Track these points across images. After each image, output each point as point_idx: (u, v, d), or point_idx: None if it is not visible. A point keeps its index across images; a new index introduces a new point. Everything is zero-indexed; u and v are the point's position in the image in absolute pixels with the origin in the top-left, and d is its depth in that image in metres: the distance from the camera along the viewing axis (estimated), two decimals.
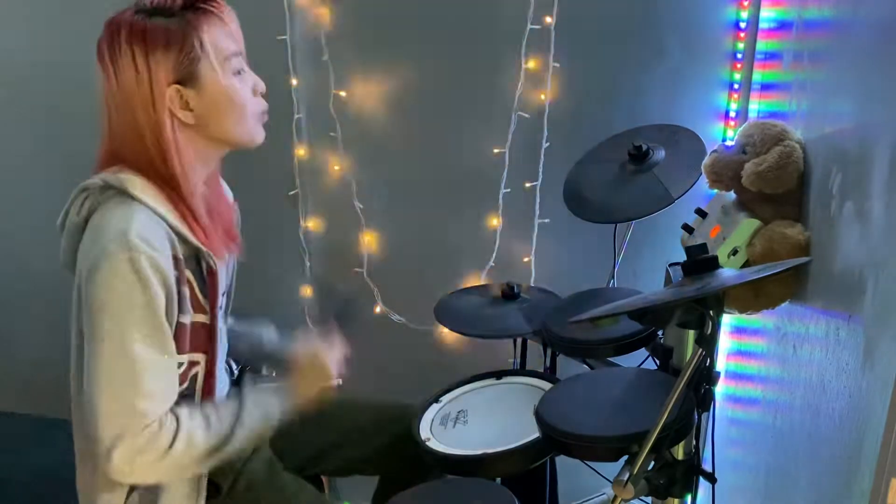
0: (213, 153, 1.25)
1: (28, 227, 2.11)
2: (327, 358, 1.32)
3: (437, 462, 1.31)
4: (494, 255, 2.03)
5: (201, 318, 1.21)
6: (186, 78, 1.15)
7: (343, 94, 1.95)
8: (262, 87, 1.25)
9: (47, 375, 2.22)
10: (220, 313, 1.26)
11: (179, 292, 1.15)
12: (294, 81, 1.95)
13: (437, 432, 1.37)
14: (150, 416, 1.11)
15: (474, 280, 2.03)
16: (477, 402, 1.46)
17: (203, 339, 1.22)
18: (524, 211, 1.99)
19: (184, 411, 1.16)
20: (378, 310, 2.11)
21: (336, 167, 2.02)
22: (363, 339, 2.13)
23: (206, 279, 1.21)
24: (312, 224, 2.08)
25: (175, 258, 1.15)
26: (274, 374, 1.50)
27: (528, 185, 1.96)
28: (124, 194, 1.15)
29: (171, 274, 1.13)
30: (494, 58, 1.90)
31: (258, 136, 1.26)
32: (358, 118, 1.98)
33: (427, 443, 1.33)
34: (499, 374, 1.54)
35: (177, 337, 1.16)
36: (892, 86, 1.00)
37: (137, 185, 1.15)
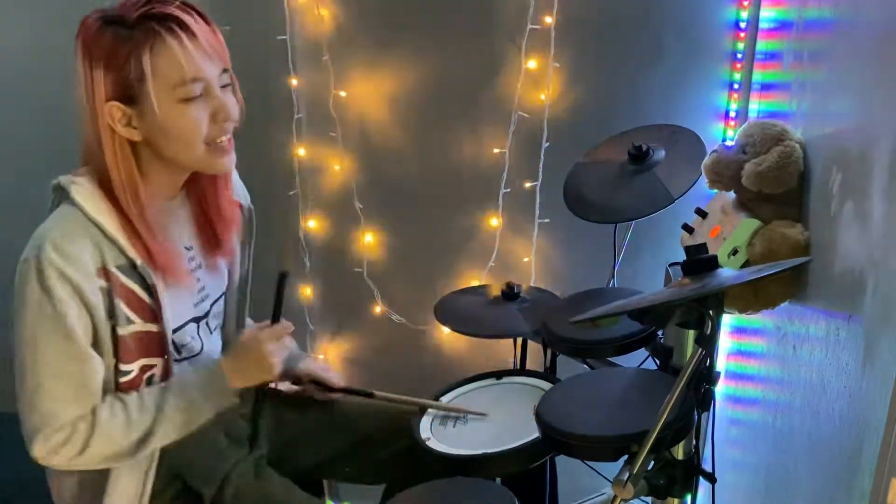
0: (173, 171, 1.22)
1: (27, 226, 2.11)
2: (266, 343, 1.27)
3: (437, 462, 1.31)
4: (494, 255, 2.03)
5: (149, 327, 1.20)
6: (127, 97, 1.12)
7: (343, 94, 1.95)
8: (227, 113, 1.17)
9: None
10: (185, 323, 1.27)
11: (112, 303, 1.15)
12: (294, 81, 1.95)
13: (437, 432, 1.37)
14: (59, 418, 1.15)
15: (474, 280, 2.04)
16: (477, 403, 1.46)
17: (155, 346, 1.22)
18: (524, 211, 1.99)
19: (104, 409, 1.18)
20: (378, 310, 2.11)
21: (336, 167, 2.02)
22: (363, 339, 2.15)
23: (153, 289, 1.19)
24: (312, 224, 2.08)
25: (104, 268, 1.14)
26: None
27: (528, 185, 1.96)
28: (68, 198, 1.15)
29: (88, 285, 1.13)
30: (494, 58, 1.90)
31: (215, 164, 1.20)
32: (358, 118, 1.98)
33: (427, 442, 1.33)
34: (499, 375, 1.54)
35: (121, 346, 1.17)
36: (892, 86, 1.00)
37: (82, 191, 1.15)
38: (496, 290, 1.71)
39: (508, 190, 1.97)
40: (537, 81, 1.89)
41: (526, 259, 2.03)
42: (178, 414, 1.21)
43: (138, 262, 1.17)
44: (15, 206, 2.18)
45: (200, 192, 1.31)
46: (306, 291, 2.13)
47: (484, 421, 1.40)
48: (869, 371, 1.00)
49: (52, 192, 1.20)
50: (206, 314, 1.35)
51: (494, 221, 2.01)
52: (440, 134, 1.99)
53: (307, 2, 1.89)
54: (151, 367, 1.23)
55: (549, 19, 1.83)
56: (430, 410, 1.44)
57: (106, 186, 1.17)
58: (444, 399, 1.48)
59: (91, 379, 1.17)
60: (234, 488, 1.30)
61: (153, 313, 1.20)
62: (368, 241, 2.07)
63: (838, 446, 1.11)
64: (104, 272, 1.14)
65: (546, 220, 1.98)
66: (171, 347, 1.25)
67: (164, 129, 1.14)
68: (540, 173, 1.94)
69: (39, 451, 1.16)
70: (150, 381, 1.24)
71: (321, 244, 2.10)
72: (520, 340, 1.76)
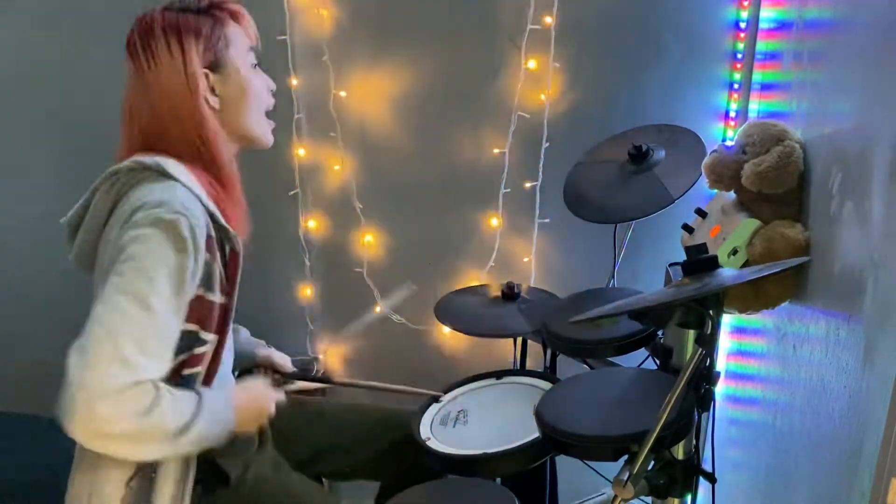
0: (231, 146, 1.30)
1: (27, 226, 2.11)
2: (272, 403, 1.32)
3: (438, 462, 1.31)
4: (494, 255, 2.03)
5: (223, 299, 1.22)
6: (214, 64, 1.24)
7: (343, 94, 1.96)
8: (272, 84, 1.35)
9: (47, 375, 2.23)
10: (235, 297, 1.27)
11: (210, 269, 1.17)
12: (294, 81, 1.95)
13: (438, 432, 1.37)
14: (143, 373, 1.09)
15: (474, 280, 2.04)
16: (477, 402, 1.46)
17: (221, 321, 1.23)
18: (524, 211, 1.99)
19: (163, 387, 1.14)
20: (378, 310, 2.11)
21: (336, 167, 2.02)
22: (363, 339, 2.15)
23: (229, 261, 1.23)
24: (312, 224, 2.08)
25: (209, 236, 1.17)
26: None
27: (528, 185, 1.96)
28: (160, 174, 1.17)
29: (204, 248, 1.15)
30: (494, 58, 1.90)
31: (268, 134, 1.35)
32: (358, 118, 1.98)
33: (427, 443, 1.33)
34: (499, 374, 1.54)
35: (204, 314, 1.18)
36: (892, 86, 1.00)
37: (172, 165, 1.19)
38: (496, 290, 1.71)
39: (508, 190, 1.97)
40: (537, 81, 1.89)
41: (526, 259, 2.03)
42: (210, 419, 1.18)
43: (231, 230, 1.22)
44: (14, 205, 2.19)
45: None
46: (306, 291, 2.13)
47: (484, 421, 1.40)
48: (869, 371, 1.00)
49: (116, 174, 1.19)
50: None
51: (494, 221, 2.01)
52: (440, 134, 1.99)
53: (307, 2, 1.89)
54: (206, 343, 1.22)
55: (549, 19, 1.84)
56: (430, 410, 1.44)
57: (187, 160, 1.22)
58: (445, 398, 1.48)
59: (174, 343, 1.15)
60: (255, 474, 1.32)
61: (223, 286, 1.22)
62: (368, 241, 2.07)
63: (838, 446, 1.11)
64: (208, 241, 1.17)
65: (546, 220, 1.98)
66: (231, 321, 1.26)
67: (245, 91, 1.28)
68: (540, 173, 1.95)
69: (107, 407, 1.05)
70: (200, 360, 1.22)
71: (321, 244, 2.10)
72: (520, 340, 1.76)
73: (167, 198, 1.13)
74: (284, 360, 1.54)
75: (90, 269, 1.22)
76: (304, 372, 1.57)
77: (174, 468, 1.22)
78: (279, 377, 1.48)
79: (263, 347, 1.54)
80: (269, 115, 1.35)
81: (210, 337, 1.21)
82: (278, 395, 1.35)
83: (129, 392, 1.08)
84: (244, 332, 1.56)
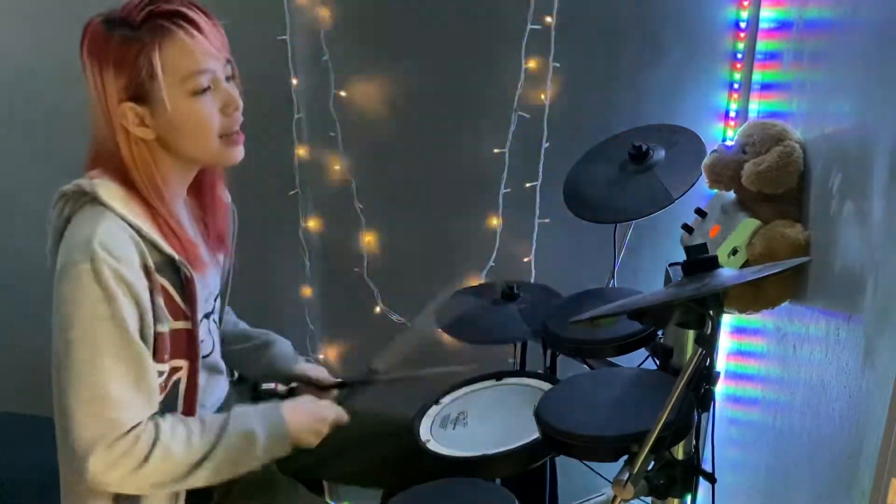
0: (185, 167, 1.24)
1: (27, 226, 2.11)
2: (329, 415, 1.32)
3: (438, 463, 1.31)
4: (494, 255, 2.03)
5: (181, 324, 1.19)
6: (139, 96, 1.13)
7: (343, 94, 1.95)
8: (236, 103, 1.19)
9: (47, 375, 2.23)
10: (200, 319, 1.25)
11: (154, 301, 1.14)
12: (294, 81, 1.95)
13: (438, 434, 1.37)
14: (123, 425, 1.10)
15: (474, 280, 2.03)
16: (477, 404, 1.46)
17: (184, 345, 1.20)
18: (524, 211, 1.99)
19: (166, 424, 1.15)
20: (378, 310, 2.11)
21: (336, 167, 2.02)
22: (363, 339, 2.15)
23: (185, 285, 1.19)
24: (312, 224, 2.08)
25: (145, 267, 1.13)
26: (276, 388, 1.51)
27: (528, 185, 1.96)
28: (95, 201, 1.13)
29: (139, 283, 1.11)
30: (494, 58, 1.90)
31: (228, 156, 1.22)
32: (358, 118, 1.98)
33: (427, 444, 1.33)
34: (498, 376, 1.53)
35: (157, 346, 1.15)
36: (892, 86, 1.00)
37: (109, 192, 1.14)
38: (496, 291, 1.71)
39: (508, 190, 1.97)
40: (537, 81, 1.89)
41: (526, 259, 2.03)
42: (237, 441, 1.19)
43: (177, 257, 1.17)
44: (14, 205, 2.19)
45: (200, 188, 1.31)
46: (306, 291, 2.13)
47: (484, 421, 1.40)
48: (869, 371, 1.00)
49: (64, 196, 1.17)
50: (213, 310, 1.36)
51: (494, 221, 2.01)
52: (440, 134, 1.99)
53: (307, 2, 1.89)
54: (178, 369, 1.21)
55: (549, 19, 1.84)
56: (429, 412, 1.44)
57: (129, 186, 1.17)
58: (445, 400, 1.48)
59: (151, 381, 1.14)
60: (242, 484, 1.30)
61: (182, 311, 1.20)
62: (368, 241, 2.07)
63: (838, 446, 1.11)
64: (146, 270, 1.14)
65: (546, 220, 1.98)
66: (197, 347, 1.23)
67: (177, 125, 1.15)
68: (540, 173, 1.94)
69: (99, 463, 1.09)
70: (175, 386, 1.21)
71: (321, 244, 2.10)
72: (520, 341, 1.76)
73: (88, 235, 1.09)
74: (319, 373, 1.51)
75: None
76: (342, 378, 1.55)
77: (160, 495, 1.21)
78: (317, 389, 1.48)
79: (300, 362, 1.51)
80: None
81: (165, 367, 1.18)
82: (335, 410, 1.33)
83: (118, 451, 1.10)
84: (280, 345, 1.54)
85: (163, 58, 1.11)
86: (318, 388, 1.49)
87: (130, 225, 1.13)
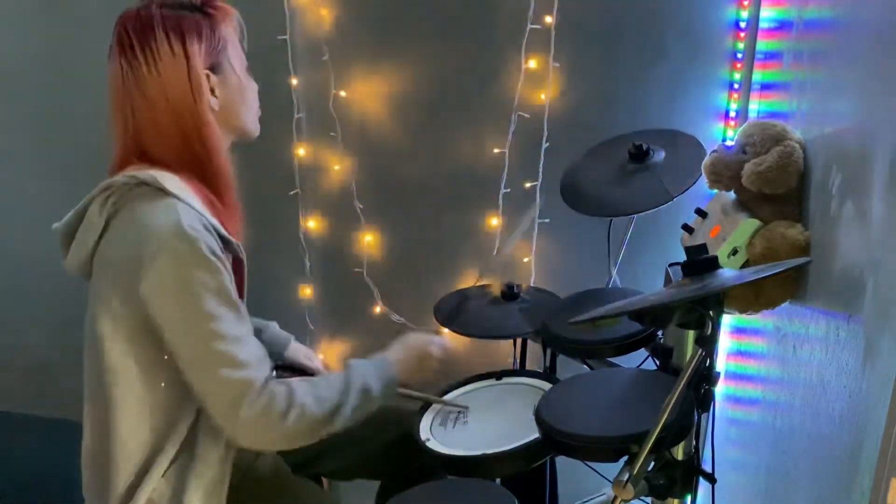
0: (225, 142, 1.29)
1: (27, 227, 2.11)
2: (432, 346, 1.42)
3: (437, 462, 1.31)
4: (494, 255, 2.03)
5: None
6: (215, 65, 1.22)
7: (343, 94, 1.95)
8: (256, 87, 1.33)
9: (47, 375, 2.23)
10: (244, 304, 1.27)
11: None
12: (294, 81, 1.95)
13: (437, 433, 1.37)
14: (257, 381, 1.15)
15: (474, 280, 2.03)
16: (477, 403, 1.46)
17: None
18: (524, 211, 1.99)
19: (295, 383, 1.21)
20: (378, 310, 2.11)
21: (336, 167, 2.02)
22: (363, 340, 2.15)
23: (234, 270, 1.22)
24: (312, 224, 2.08)
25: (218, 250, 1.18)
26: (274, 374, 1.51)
27: (528, 185, 1.96)
28: (158, 190, 1.15)
29: (223, 261, 1.16)
30: (494, 58, 1.90)
31: (258, 128, 1.34)
32: (358, 118, 1.98)
33: (427, 443, 1.33)
34: (499, 375, 1.54)
35: None
36: (892, 86, 1.00)
37: (168, 180, 1.17)
38: (496, 290, 1.71)
39: (508, 190, 1.97)
40: (537, 81, 1.89)
41: (526, 259, 2.03)
42: (358, 396, 1.25)
43: (233, 241, 1.22)
44: (14, 206, 2.19)
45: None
46: (306, 291, 2.13)
47: (484, 421, 1.40)
48: (869, 371, 1.00)
49: (109, 188, 1.18)
50: None
51: (494, 221, 2.01)
52: (440, 134, 1.99)
53: (307, 2, 1.89)
54: None
55: (549, 19, 1.83)
56: (429, 411, 1.44)
57: (183, 172, 1.20)
58: (445, 399, 1.48)
59: (258, 342, 1.20)
60: (253, 480, 1.34)
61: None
62: (368, 241, 2.07)
63: (838, 446, 1.11)
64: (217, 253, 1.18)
65: (546, 220, 1.98)
66: None
67: (241, 92, 1.27)
68: (540, 173, 1.94)
69: (246, 420, 1.14)
70: None
71: (321, 244, 2.10)
72: (520, 340, 1.76)
73: (174, 219, 1.12)
74: (311, 362, 1.58)
75: (87, 277, 1.21)
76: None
77: (205, 476, 1.23)
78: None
79: (289, 347, 1.58)
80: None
81: None
82: (440, 339, 1.42)
83: (261, 404, 1.14)
84: (273, 326, 1.60)
85: (226, 32, 1.24)
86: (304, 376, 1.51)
87: (198, 211, 1.17)
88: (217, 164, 1.23)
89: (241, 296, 1.24)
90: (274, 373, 1.53)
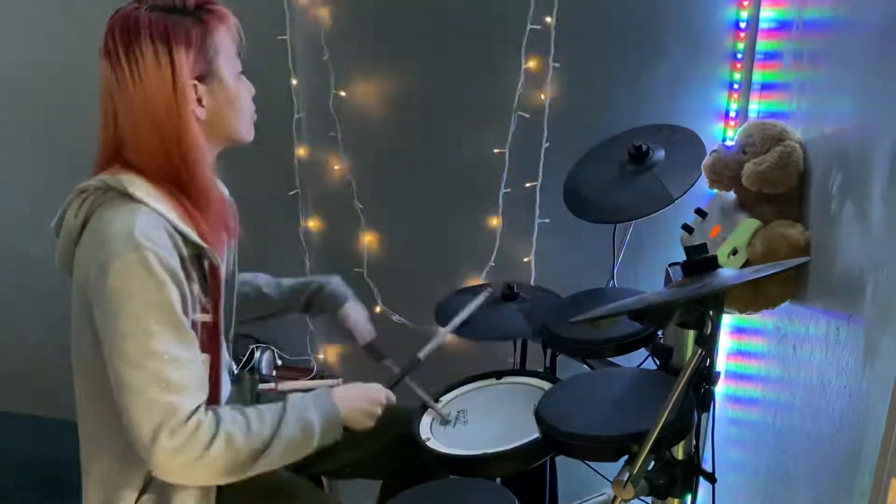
0: (214, 150, 1.27)
1: (26, 226, 2.11)
2: (381, 398, 1.34)
3: (437, 462, 1.31)
4: (494, 255, 2.03)
5: (205, 317, 1.21)
6: (204, 75, 1.17)
7: (343, 94, 1.96)
8: (253, 90, 1.29)
9: (47, 375, 2.23)
10: (221, 312, 1.26)
11: (190, 291, 1.16)
12: (294, 81, 1.95)
13: (437, 432, 1.37)
14: (184, 409, 1.11)
15: (474, 280, 2.04)
16: (477, 403, 1.46)
17: (207, 338, 1.21)
18: (524, 211, 1.99)
19: (225, 412, 1.16)
20: (378, 310, 2.11)
21: (336, 167, 2.02)
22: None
23: (208, 278, 1.21)
24: (312, 224, 2.08)
25: (180, 257, 1.15)
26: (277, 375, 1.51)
27: (528, 185, 1.96)
28: (124, 195, 1.14)
29: (180, 272, 1.13)
30: (494, 58, 1.90)
31: (252, 133, 1.30)
32: (358, 118, 1.98)
33: (427, 443, 1.33)
34: (499, 375, 1.54)
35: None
36: (892, 86, 0.99)
37: (138, 186, 1.15)
38: (496, 291, 1.71)
39: (508, 190, 1.97)
40: (537, 81, 1.89)
41: (526, 259, 2.03)
42: (295, 430, 1.20)
43: (206, 247, 1.19)
44: (14, 205, 2.19)
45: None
46: None
47: (484, 421, 1.40)
48: (869, 371, 1.00)
49: (83, 193, 1.17)
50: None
51: (494, 221, 2.01)
52: (440, 134, 1.99)
53: (307, 2, 1.89)
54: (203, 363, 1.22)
55: (549, 19, 1.84)
56: (429, 411, 1.44)
57: (157, 178, 1.18)
58: (444, 398, 1.48)
59: (201, 365, 1.17)
60: (254, 477, 1.29)
61: (204, 304, 1.21)
62: (368, 241, 2.07)
63: (838, 446, 1.11)
64: (181, 260, 1.15)
65: (546, 220, 1.98)
66: (220, 340, 1.25)
67: (232, 100, 1.22)
68: (540, 173, 1.95)
69: (165, 449, 1.09)
70: None
71: (321, 244, 2.10)
72: (520, 340, 1.76)
73: (128, 227, 1.10)
74: (357, 328, 1.57)
75: (70, 273, 1.21)
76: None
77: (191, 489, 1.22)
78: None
79: (348, 303, 1.58)
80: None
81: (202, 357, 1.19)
82: (385, 391, 1.35)
83: (182, 437, 1.10)
84: (335, 280, 1.60)
85: (219, 38, 1.19)
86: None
87: (164, 217, 1.15)
88: (195, 173, 1.19)
89: (215, 305, 1.22)
90: (273, 385, 1.53)
